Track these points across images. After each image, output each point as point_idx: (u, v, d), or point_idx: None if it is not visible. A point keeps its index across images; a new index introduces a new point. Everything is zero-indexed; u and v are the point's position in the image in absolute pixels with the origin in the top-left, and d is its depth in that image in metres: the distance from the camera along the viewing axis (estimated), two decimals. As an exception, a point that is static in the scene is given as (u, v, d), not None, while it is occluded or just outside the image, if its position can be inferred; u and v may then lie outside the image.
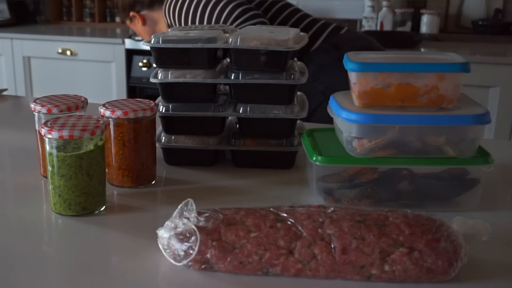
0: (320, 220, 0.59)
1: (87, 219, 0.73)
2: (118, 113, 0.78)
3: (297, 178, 0.88)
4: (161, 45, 0.86)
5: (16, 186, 0.86)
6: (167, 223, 0.61)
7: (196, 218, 0.59)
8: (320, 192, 0.77)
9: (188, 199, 0.60)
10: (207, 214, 0.60)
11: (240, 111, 0.88)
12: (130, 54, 2.68)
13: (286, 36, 0.85)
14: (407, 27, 2.65)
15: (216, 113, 0.89)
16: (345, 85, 0.80)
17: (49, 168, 0.72)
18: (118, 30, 3.05)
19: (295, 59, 0.95)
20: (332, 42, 1.47)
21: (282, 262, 0.58)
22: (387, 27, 2.61)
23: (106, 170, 0.80)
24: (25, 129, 1.18)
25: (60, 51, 2.80)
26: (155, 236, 0.62)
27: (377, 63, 0.74)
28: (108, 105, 0.81)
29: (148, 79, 0.91)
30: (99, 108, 0.80)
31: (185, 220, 0.59)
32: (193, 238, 0.58)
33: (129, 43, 2.65)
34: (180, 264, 0.59)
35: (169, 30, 0.95)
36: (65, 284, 0.60)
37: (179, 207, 0.60)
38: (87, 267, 0.62)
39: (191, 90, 0.89)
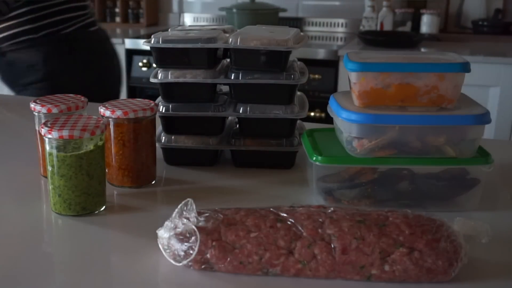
0: (320, 220, 0.59)
1: (87, 219, 0.73)
2: (118, 113, 0.78)
3: (297, 178, 0.87)
4: (161, 45, 0.86)
5: (16, 186, 0.86)
6: (167, 223, 0.61)
7: (196, 218, 0.59)
8: (320, 192, 0.77)
9: (188, 199, 0.60)
10: (207, 214, 0.60)
11: (240, 111, 0.88)
12: (130, 54, 2.67)
13: (286, 36, 0.85)
14: (407, 27, 2.65)
15: (216, 113, 0.89)
16: None
17: (49, 168, 0.72)
18: (118, 30, 3.04)
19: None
20: None
21: (282, 262, 0.58)
22: (387, 27, 2.61)
23: (106, 170, 0.80)
24: (25, 129, 1.18)
25: (60, 51, 2.79)
26: (155, 236, 0.62)
27: (377, 63, 0.74)
28: (108, 105, 0.81)
29: (148, 79, 0.91)
30: (99, 108, 0.80)
31: (185, 220, 0.59)
32: (193, 238, 0.58)
33: (129, 43, 2.65)
34: (180, 264, 0.59)
35: None
36: (65, 284, 0.60)
37: (179, 207, 0.60)
38: (87, 267, 0.62)
39: (191, 90, 0.89)
